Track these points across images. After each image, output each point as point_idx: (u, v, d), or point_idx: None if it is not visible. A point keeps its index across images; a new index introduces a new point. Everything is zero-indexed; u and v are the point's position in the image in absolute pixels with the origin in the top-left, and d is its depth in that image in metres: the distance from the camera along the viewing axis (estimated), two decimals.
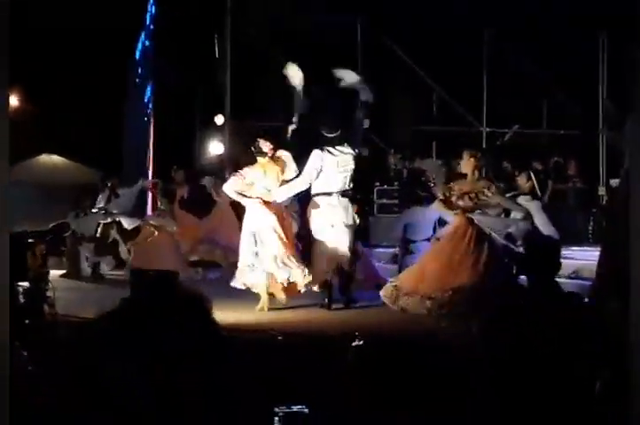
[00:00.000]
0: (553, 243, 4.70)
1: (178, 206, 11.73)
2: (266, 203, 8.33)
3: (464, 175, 7.94)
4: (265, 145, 8.40)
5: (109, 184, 12.25)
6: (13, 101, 18.23)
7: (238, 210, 11.75)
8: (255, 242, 8.24)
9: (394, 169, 14.18)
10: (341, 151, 8.26)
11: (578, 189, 13.33)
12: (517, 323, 4.18)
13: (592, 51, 15.15)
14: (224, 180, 11.85)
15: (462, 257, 7.64)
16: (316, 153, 8.22)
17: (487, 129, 15.09)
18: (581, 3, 14.02)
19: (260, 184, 8.39)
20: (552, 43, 14.58)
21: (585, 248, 11.11)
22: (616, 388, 3.99)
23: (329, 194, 8.22)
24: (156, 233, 10.41)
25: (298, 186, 8.30)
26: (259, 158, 8.46)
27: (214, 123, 14.51)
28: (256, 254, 8.24)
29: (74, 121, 18.15)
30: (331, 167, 8.21)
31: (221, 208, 11.79)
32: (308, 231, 8.39)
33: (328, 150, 8.23)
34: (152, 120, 16.47)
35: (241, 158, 12.08)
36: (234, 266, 10.32)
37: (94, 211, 11.99)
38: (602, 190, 13.27)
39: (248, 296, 8.35)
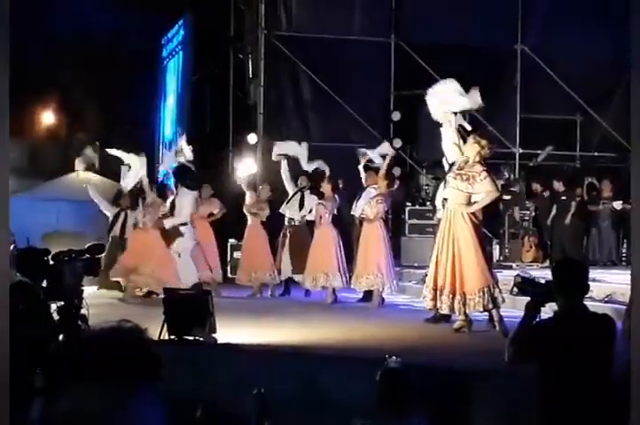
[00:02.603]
0: (581, 265, 4.70)
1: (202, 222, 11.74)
2: None
3: (467, 159, 8.01)
4: None
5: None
6: (49, 118, 18.45)
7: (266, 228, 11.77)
8: None
9: (425, 189, 14.17)
10: None
11: (611, 211, 13.24)
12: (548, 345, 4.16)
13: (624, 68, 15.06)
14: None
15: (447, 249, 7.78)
16: None
17: (520, 150, 15.02)
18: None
19: None
20: (583, 62, 14.54)
21: (618, 271, 11.00)
22: None
23: None
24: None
25: None
26: None
27: (247, 142, 14.54)
28: None
29: (108, 139, 18.35)
30: None
31: (253, 226, 11.76)
32: None
33: None
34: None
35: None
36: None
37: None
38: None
39: None
